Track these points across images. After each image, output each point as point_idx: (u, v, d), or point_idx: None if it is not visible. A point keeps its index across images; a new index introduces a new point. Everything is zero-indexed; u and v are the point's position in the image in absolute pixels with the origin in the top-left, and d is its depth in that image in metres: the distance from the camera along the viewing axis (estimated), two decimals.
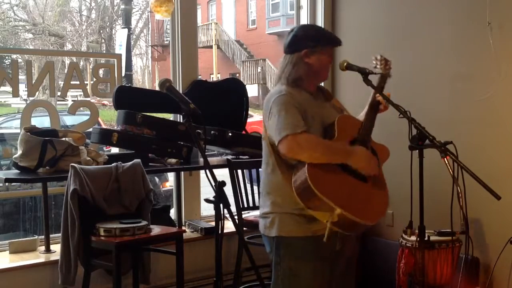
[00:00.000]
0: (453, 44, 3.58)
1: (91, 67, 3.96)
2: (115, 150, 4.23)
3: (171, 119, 4.08)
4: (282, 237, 2.32)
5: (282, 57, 2.44)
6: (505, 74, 3.27)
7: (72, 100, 6.61)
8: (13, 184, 3.67)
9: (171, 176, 4.92)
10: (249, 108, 4.26)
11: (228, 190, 2.49)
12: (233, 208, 2.85)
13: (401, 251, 3.17)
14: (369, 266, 3.80)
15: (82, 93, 4.03)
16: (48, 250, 3.43)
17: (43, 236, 3.49)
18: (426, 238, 2.79)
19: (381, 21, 4.07)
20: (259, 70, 19.50)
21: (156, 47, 20.21)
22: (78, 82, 3.85)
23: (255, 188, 3.72)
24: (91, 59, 9.81)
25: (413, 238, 2.92)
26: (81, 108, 3.95)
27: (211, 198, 2.24)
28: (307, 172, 2.15)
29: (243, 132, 4.07)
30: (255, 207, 3.69)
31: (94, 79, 3.83)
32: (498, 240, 3.24)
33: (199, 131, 3.15)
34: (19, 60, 6.35)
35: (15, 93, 3.59)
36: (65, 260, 3.04)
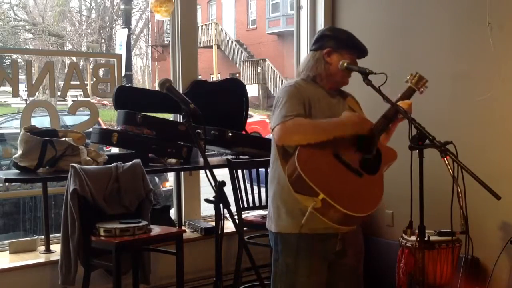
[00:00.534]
0: (453, 44, 3.58)
1: (91, 67, 3.96)
2: (115, 150, 4.23)
3: (171, 119, 4.09)
4: (280, 233, 2.33)
5: (307, 54, 2.47)
6: (505, 74, 3.27)
7: (72, 100, 6.60)
8: (13, 184, 3.67)
9: (171, 176, 4.92)
10: (249, 108, 4.26)
11: (228, 190, 2.49)
12: (233, 208, 2.86)
13: (401, 251, 3.17)
14: (369, 266, 3.79)
15: (82, 93, 4.02)
16: (48, 250, 3.43)
17: (43, 236, 3.49)
18: (426, 238, 2.78)
19: (381, 21, 4.07)
20: (259, 70, 19.50)
21: (156, 47, 20.21)
22: (78, 82, 3.85)
23: (255, 188, 3.73)
24: (91, 59, 9.80)
25: (413, 238, 2.91)
26: (81, 108, 3.95)
27: (211, 198, 2.24)
28: (296, 155, 2.13)
29: (243, 132, 4.07)
30: (255, 207, 3.70)
31: (94, 79, 3.83)
32: (498, 240, 3.24)
33: (199, 131, 3.13)
34: (19, 60, 6.35)
35: (15, 93, 3.59)
36: (65, 260, 3.04)
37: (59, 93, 3.80)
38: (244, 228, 3.50)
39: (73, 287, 3.08)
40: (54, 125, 3.59)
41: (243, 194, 3.63)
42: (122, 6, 12.58)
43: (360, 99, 2.53)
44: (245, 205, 3.64)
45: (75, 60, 4.34)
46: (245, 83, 5.32)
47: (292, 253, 2.30)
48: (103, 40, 17.51)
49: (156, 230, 3.13)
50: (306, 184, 2.09)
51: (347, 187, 2.19)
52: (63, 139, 3.37)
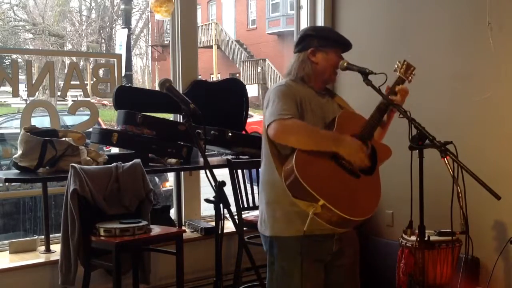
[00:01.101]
0: (453, 44, 3.58)
1: (91, 67, 3.96)
2: (115, 150, 4.23)
3: (171, 119, 4.09)
4: (275, 237, 2.30)
5: (292, 56, 2.45)
6: (505, 74, 3.27)
7: (72, 100, 6.60)
8: (13, 184, 3.68)
9: (171, 176, 4.92)
10: (249, 108, 4.26)
11: (228, 190, 2.49)
12: (233, 208, 2.86)
13: (401, 251, 3.17)
14: (369, 266, 3.80)
15: (82, 93, 4.03)
16: (48, 250, 3.43)
17: (43, 236, 3.49)
18: (426, 238, 2.78)
19: (381, 21, 4.07)
20: (259, 70, 19.49)
21: (156, 47, 20.19)
22: (78, 82, 3.85)
23: (255, 188, 3.72)
24: (91, 59, 9.79)
25: (413, 238, 2.92)
26: (81, 108, 3.95)
27: (211, 198, 2.24)
28: (294, 160, 2.12)
29: (243, 132, 4.07)
30: (255, 207, 3.69)
31: (94, 79, 3.83)
32: (498, 240, 3.24)
33: (199, 131, 3.15)
34: (19, 60, 6.36)
35: (15, 93, 3.59)
36: (65, 260, 3.04)
37: (59, 93, 3.80)
38: (244, 228, 3.50)
39: (73, 287, 3.08)
40: (54, 125, 3.59)
41: (243, 194, 3.64)
42: (122, 6, 12.57)
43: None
44: (245, 205, 3.64)
45: (75, 60, 4.33)
46: (245, 83, 5.32)
47: (288, 256, 2.27)
48: (103, 40, 17.50)
49: (156, 230, 3.13)
50: (305, 190, 2.08)
51: (346, 191, 2.18)
52: (63, 139, 3.37)
